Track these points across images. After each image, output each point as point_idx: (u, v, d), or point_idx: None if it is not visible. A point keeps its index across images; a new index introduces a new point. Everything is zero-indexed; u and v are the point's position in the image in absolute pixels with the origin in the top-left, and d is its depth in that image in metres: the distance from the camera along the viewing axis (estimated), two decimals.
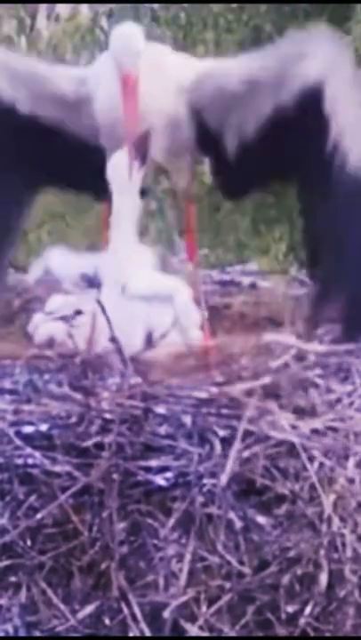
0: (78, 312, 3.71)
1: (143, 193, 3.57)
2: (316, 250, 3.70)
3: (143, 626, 3.19)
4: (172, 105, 3.66)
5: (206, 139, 3.76)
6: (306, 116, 3.60)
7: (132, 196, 3.51)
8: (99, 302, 3.39)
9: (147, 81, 3.56)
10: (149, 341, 3.41)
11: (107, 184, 3.62)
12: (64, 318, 3.71)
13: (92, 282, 3.60)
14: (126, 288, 3.45)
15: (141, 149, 3.47)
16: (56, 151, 3.78)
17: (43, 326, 3.74)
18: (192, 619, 3.20)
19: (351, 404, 3.45)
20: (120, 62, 3.54)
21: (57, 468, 3.24)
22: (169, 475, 3.25)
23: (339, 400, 3.45)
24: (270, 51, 3.76)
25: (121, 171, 3.49)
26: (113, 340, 3.34)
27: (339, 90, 3.57)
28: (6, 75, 3.74)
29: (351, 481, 3.36)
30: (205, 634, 3.19)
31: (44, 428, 3.29)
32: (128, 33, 3.61)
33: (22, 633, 3.21)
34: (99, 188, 3.71)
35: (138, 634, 3.18)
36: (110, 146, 3.68)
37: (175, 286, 3.54)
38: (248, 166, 3.75)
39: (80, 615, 3.21)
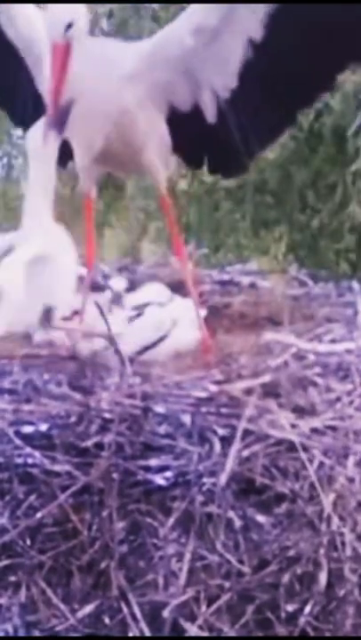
0: (76, 312, 3.71)
1: None
2: None
3: (143, 625, 3.19)
4: (123, 97, 3.61)
5: (181, 117, 3.69)
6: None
7: (46, 165, 3.40)
8: (97, 304, 3.39)
9: (93, 76, 3.54)
10: (48, 318, 3.33)
11: None
12: (63, 319, 3.71)
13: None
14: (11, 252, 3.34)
15: (60, 118, 3.38)
16: None
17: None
18: (192, 618, 3.20)
19: (351, 402, 3.45)
20: (49, 31, 3.52)
21: (57, 468, 3.24)
22: (168, 474, 3.25)
23: (338, 399, 3.46)
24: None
25: (37, 139, 3.41)
26: (110, 340, 3.33)
27: None
28: None
29: (351, 480, 3.36)
30: (205, 633, 3.19)
31: (43, 427, 3.29)
32: (56, 3, 3.55)
33: (22, 632, 3.21)
34: None
35: (138, 633, 3.18)
36: None
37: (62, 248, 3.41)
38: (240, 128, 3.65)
39: (80, 614, 3.21)
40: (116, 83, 3.61)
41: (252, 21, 3.53)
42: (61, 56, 3.49)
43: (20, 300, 3.27)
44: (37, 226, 3.35)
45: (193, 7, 3.60)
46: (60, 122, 3.38)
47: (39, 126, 3.41)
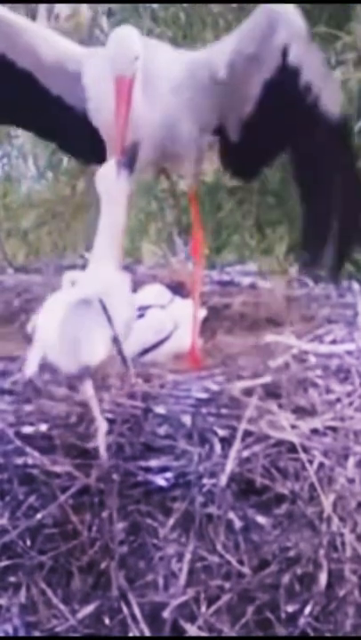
0: None
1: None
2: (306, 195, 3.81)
3: (143, 626, 3.19)
4: (170, 105, 3.66)
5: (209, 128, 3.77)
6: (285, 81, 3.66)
7: (117, 209, 3.41)
8: (101, 302, 3.38)
9: (142, 85, 3.57)
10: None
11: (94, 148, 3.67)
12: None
13: None
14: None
15: (130, 159, 3.41)
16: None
17: None
18: (192, 619, 3.20)
19: (351, 403, 3.45)
20: (115, 65, 3.53)
21: (57, 469, 3.24)
22: (169, 475, 3.25)
23: (338, 400, 3.46)
24: (242, 32, 3.76)
25: (108, 181, 3.42)
26: (114, 340, 3.32)
27: (301, 48, 3.63)
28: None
29: (351, 481, 3.36)
30: (205, 634, 3.19)
31: (43, 428, 3.29)
32: (125, 35, 3.59)
33: (22, 633, 3.21)
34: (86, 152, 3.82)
35: (138, 634, 3.18)
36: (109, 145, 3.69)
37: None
38: (252, 145, 3.79)
39: (80, 615, 3.21)
40: (164, 94, 3.64)
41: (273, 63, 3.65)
42: (128, 92, 3.51)
43: (52, 338, 3.27)
44: (96, 270, 3.37)
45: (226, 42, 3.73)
46: (131, 162, 3.41)
47: (107, 169, 3.41)
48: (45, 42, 3.82)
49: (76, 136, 3.88)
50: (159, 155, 3.69)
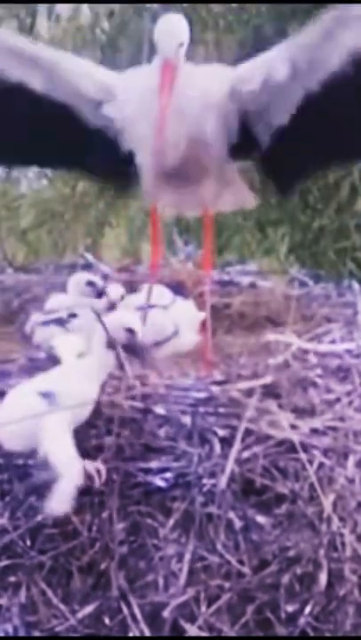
0: (72, 315, 3.72)
1: None
2: None
3: (143, 626, 3.19)
4: (199, 120, 3.65)
5: (246, 142, 3.76)
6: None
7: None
8: (94, 310, 3.39)
9: (178, 101, 3.57)
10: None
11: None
12: (59, 321, 3.72)
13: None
14: None
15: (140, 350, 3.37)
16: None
17: (39, 330, 3.74)
18: (192, 618, 3.20)
19: (350, 403, 3.45)
20: (162, 50, 3.56)
21: None
22: (169, 475, 3.25)
23: (338, 399, 3.46)
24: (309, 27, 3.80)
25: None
26: (110, 345, 3.31)
27: None
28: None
29: (351, 480, 3.36)
30: (205, 634, 3.19)
31: None
32: (173, 22, 3.63)
33: (22, 633, 3.21)
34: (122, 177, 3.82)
35: (138, 634, 3.19)
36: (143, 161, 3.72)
37: None
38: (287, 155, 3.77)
39: (80, 615, 3.21)
40: (200, 111, 3.65)
41: (313, 79, 3.64)
42: (171, 72, 3.55)
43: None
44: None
45: (269, 56, 3.71)
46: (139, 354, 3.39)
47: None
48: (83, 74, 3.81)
49: (106, 162, 3.85)
50: (183, 164, 3.68)
